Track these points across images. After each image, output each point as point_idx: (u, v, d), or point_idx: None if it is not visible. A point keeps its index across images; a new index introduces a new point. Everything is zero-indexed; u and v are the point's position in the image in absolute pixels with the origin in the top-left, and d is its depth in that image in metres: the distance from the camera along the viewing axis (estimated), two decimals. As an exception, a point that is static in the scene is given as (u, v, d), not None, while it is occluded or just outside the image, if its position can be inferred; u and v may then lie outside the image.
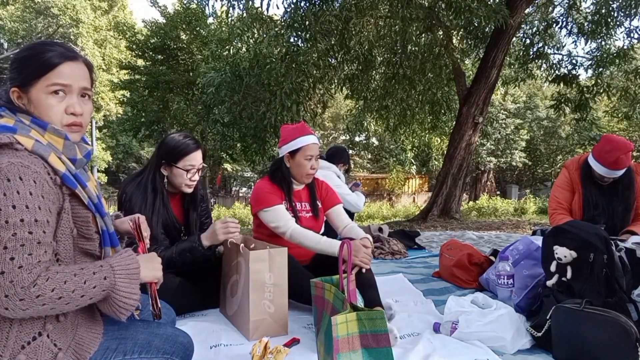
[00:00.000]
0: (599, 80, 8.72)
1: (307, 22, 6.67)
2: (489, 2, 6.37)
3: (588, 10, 8.65)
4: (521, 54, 9.03)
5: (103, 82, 18.58)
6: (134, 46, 15.44)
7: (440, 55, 8.10)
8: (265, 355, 1.41)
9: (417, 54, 8.10)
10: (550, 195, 2.70)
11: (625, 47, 8.45)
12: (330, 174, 3.38)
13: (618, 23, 7.98)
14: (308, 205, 2.22)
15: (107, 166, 22.02)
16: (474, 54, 9.39)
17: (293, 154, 2.12)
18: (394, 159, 21.05)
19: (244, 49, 8.42)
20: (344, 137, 23.82)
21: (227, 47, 11.36)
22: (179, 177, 1.91)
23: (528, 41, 8.88)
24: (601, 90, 8.62)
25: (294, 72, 6.77)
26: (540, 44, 8.83)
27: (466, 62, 9.79)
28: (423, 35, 7.97)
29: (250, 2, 6.96)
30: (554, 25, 8.76)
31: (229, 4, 6.96)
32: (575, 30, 8.53)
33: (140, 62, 15.58)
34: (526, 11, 7.84)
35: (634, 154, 14.34)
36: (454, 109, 9.16)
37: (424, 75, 8.57)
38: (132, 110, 14.79)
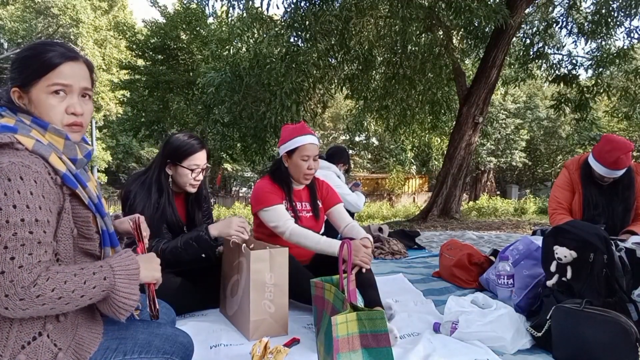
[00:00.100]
0: (599, 80, 8.72)
1: (307, 22, 6.67)
2: (489, 2, 6.37)
3: (588, 10, 8.65)
4: (521, 54, 9.04)
5: (103, 82, 18.58)
6: (134, 46, 15.44)
7: (440, 55, 8.11)
8: (265, 355, 1.41)
9: (417, 54, 8.10)
10: (551, 195, 2.70)
11: (625, 47, 8.45)
12: (330, 174, 3.38)
13: (618, 23, 7.98)
14: (308, 205, 2.22)
15: (107, 166, 22.02)
16: (474, 54, 9.40)
17: (290, 154, 2.12)
18: (394, 159, 21.05)
19: (244, 49, 8.43)
20: (344, 137, 23.83)
21: (227, 47, 11.36)
22: (184, 176, 1.92)
23: (528, 41, 8.88)
24: (601, 90, 8.62)
25: (294, 72, 6.78)
26: (540, 44, 8.84)
27: (466, 62, 9.79)
28: (423, 35, 7.97)
29: (250, 2, 6.96)
30: (554, 25, 8.76)
31: (229, 4, 6.96)
32: (575, 30, 8.53)
33: (140, 62, 15.58)
34: (526, 11, 7.84)
35: (634, 154, 14.33)
36: (454, 109, 9.16)
37: (424, 75, 8.57)
38: (132, 110, 14.80)
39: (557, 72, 9.18)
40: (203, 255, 2.11)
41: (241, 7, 7.17)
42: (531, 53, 8.84)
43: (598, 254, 1.70)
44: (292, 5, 6.87)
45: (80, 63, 1.05)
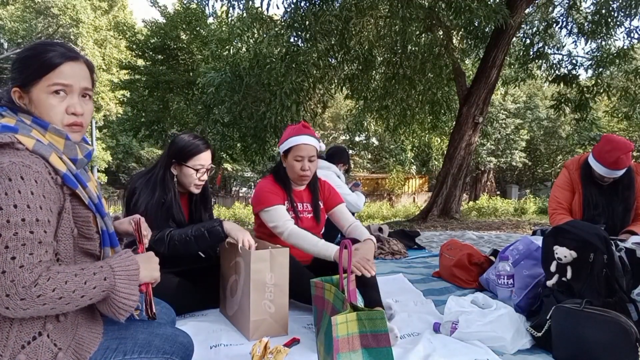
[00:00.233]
0: (599, 80, 8.72)
1: (307, 22, 6.67)
2: (489, 2, 6.37)
3: (588, 11, 8.65)
4: (521, 54, 9.04)
5: (103, 82, 18.58)
6: (134, 46, 15.42)
7: (440, 55, 8.11)
8: (265, 355, 1.41)
9: (417, 54, 8.10)
10: (551, 195, 2.70)
11: (625, 47, 8.45)
12: (330, 174, 3.38)
13: (618, 23, 7.98)
14: (309, 206, 2.21)
15: (107, 166, 22.02)
16: (474, 54, 9.39)
17: (286, 154, 2.12)
18: (394, 159, 21.06)
19: (244, 49, 8.43)
20: (344, 137, 23.83)
21: (227, 47, 11.35)
22: (189, 176, 1.94)
23: (528, 41, 8.88)
24: (601, 90, 8.62)
25: (294, 72, 6.77)
26: (540, 44, 8.84)
27: (466, 62, 9.79)
28: (423, 35, 7.97)
29: (250, 2, 6.96)
30: (554, 25, 8.76)
31: (229, 4, 6.96)
32: (575, 30, 8.53)
33: (140, 62, 15.56)
34: (526, 11, 7.84)
35: (634, 154, 14.34)
36: (454, 109, 9.16)
37: (424, 75, 8.57)
38: (132, 110, 14.78)
39: (557, 72, 9.18)
40: (203, 255, 2.12)
41: (241, 7, 7.17)
42: (531, 53, 8.84)
43: (598, 254, 1.70)
44: (292, 5, 6.87)
45: (80, 63, 1.05)
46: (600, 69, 8.68)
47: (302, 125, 2.13)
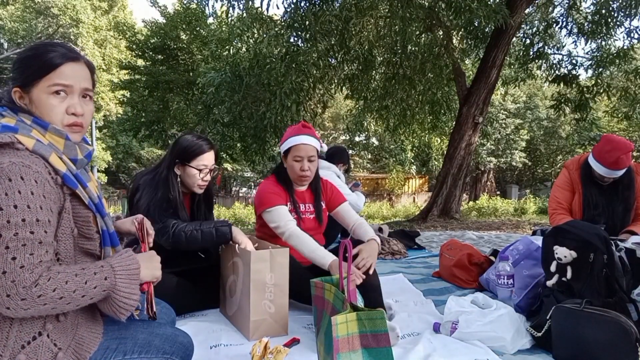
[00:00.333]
0: (599, 80, 8.72)
1: (307, 22, 6.66)
2: (489, 2, 6.37)
3: (588, 11, 8.65)
4: (521, 54, 9.03)
5: (103, 82, 18.58)
6: (134, 46, 15.42)
7: (440, 55, 8.10)
8: (265, 355, 1.41)
9: (417, 54, 8.10)
10: (551, 195, 2.70)
11: (625, 47, 8.45)
12: (330, 174, 3.38)
13: (618, 23, 7.97)
14: (312, 207, 2.20)
15: (107, 166, 22.02)
16: (474, 54, 9.39)
17: (286, 154, 2.11)
18: (394, 159, 21.05)
19: (244, 49, 8.43)
20: (344, 137, 23.83)
21: (227, 47, 11.35)
22: (192, 176, 1.94)
23: (528, 41, 8.87)
24: (601, 90, 8.62)
25: (294, 72, 6.77)
26: (540, 44, 8.83)
27: (466, 62, 9.79)
28: (423, 35, 7.97)
29: (250, 2, 6.96)
30: (554, 25, 8.76)
31: (229, 4, 6.96)
32: (575, 30, 8.53)
33: (140, 62, 15.56)
34: (526, 11, 7.84)
35: (634, 154, 14.34)
36: (454, 109, 9.15)
37: (424, 75, 8.57)
38: (132, 110, 14.77)
39: (557, 72, 9.18)
40: (202, 255, 2.12)
41: (241, 7, 7.17)
42: (531, 53, 8.84)
43: (598, 254, 1.70)
44: (292, 5, 6.87)
45: (81, 64, 1.05)
46: (600, 69, 8.68)
47: (301, 125, 2.12)
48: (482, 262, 2.64)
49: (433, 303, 2.23)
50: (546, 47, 8.92)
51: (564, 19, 8.57)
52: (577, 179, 2.56)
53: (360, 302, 1.66)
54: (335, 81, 8.30)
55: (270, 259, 1.72)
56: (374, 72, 8.73)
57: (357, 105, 9.98)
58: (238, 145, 9.33)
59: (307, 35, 6.79)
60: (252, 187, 26.47)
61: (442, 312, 1.94)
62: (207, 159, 1.96)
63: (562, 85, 8.94)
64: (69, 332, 1.00)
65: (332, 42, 7.03)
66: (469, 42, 8.58)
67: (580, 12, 8.58)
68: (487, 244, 4.47)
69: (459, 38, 9.03)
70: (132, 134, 14.79)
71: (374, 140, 23.56)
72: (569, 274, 1.77)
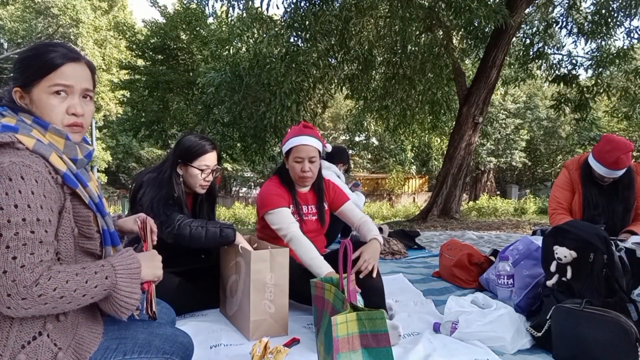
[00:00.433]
0: (599, 80, 8.72)
1: (307, 22, 6.66)
2: (489, 2, 6.37)
3: (588, 11, 8.65)
4: (521, 54, 9.03)
5: (103, 82, 18.57)
6: (134, 46, 15.42)
7: (440, 55, 8.10)
8: (265, 355, 1.41)
9: (417, 54, 8.10)
10: (551, 195, 2.70)
11: (625, 47, 8.45)
12: (330, 174, 3.39)
13: (618, 23, 7.97)
14: (314, 209, 2.18)
15: (107, 166, 22.01)
16: (474, 54, 9.39)
17: (287, 155, 2.10)
18: (394, 159, 21.04)
19: (244, 49, 8.42)
20: (344, 137, 23.82)
21: (227, 47, 11.35)
22: (194, 177, 1.95)
23: (528, 41, 8.87)
24: (601, 90, 8.62)
25: (294, 72, 6.77)
26: (540, 44, 8.83)
27: (466, 62, 9.78)
28: (423, 35, 7.97)
29: (250, 2, 6.96)
30: (554, 25, 8.75)
31: (229, 4, 6.96)
32: (575, 30, 8.53)
33: (140, 62, 15.56)
34: (526, 11, 7.84)
35: (634, 154, 14.34)
36: (454, 109, 9.15)
37: (424, 75, 8.57)
38: (132, 110, 14.76)
39: (557, 72, 9.17)
40: (202, 256, 2.12)
41: (241, 7, 7.17)
42: (531, 53, 8.84)
43: (598, 254, 1.70)
44: (292, 5, 6.87)
45: (82, 64, 1.05)
46: (600, 69, 8.67)
47: (302, 126, 2.10)
48: (482, 262, 2.64)
49: (433, 303, 2.23)
50: (546, 47, 8.92)
51: (564, 19, 8.58)
52: (577, 179, 2.55)
53: (359, 303, 1.66)
54: (335, 81, 8.30)
55: (270, 259, 1.72)
56: (374, 72, 8.73)
57: (357, 105, 9.98)
58: (238, 145, 9.33)
59: (307, 35, 6.79)
60: (252, 187, 26.47)
61: (442, 312, 1.94)
62: (210, 159, 1.96)
63: (562, 85, 8.94)
64: (69, 332, 1.00)
65: (332, 42, 7.03)
66: (469, 42, 8.58)
67: (580, 12, 8.58)
68: (487, 244, 4.47)
69: (459, 38, 9.03)
70: (132, 134, 14.79)
71: (374, 140, 23.56)
72: (569, 274, 1.77)
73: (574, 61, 9.10)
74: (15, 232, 0.87)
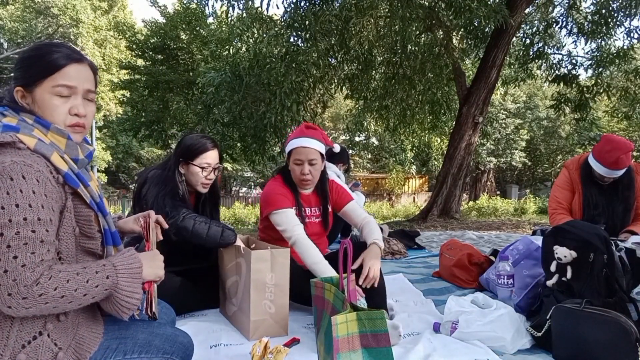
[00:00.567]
0: (599, 80, 8.72)
1: (307, 22, 6.66)
2: (489, 2, 6.37)
3: (588, 10, 8.65)
4: (521, 54, 9.03)
5: (103, 82, 18.57)
6: (134, 46, 15.42)
7: (440, 55, 8.10)
8: (265, 355, 1.41)
9: (417, 54, 8.10)
10: (550, 195, 2.70)
11: (625, 47, 8.45)
12: (330, 174, 3.37)
13: (618, 23, 7.98)
14: (317, 211, 2.16)
15: (107, 166, 22.01)
16: (474, 54, 9.39)
17: (288, 157, 2.09)
18: (394, 159, 21.04)
19: (243, 49, 8.42)
20: (344, 137, 23.82)
21: (227, 47, 11.34)
22: (195, 174, 1.96)
23: (528, 41, 8.87)
24: (601, 90, 8.62)
25: (294, 72, 6.77)
26: (540, 44, 8.83)
27: (466, 62, 9.78)
28: (423, 35, 7.97)
29: (250, 2, 6.96)
30: (554, 25, 8.76)
31: (229, 4, 6.95)
32: (575, 30, 8.53)
33: (140, 62, 15.56)
34: (526, 11, 7.84)
35: (634, 154, 14.34)
36: (454, 109, 9.15)
37: (424, 75, 8.57)
38: (132, 110, 14.77)
39: (557, 72, 9.18)
40: (201, 253, 2.12)
41: (241, 7, 7.16)
42: (531, 53, 8.84)
43: (598, 254, 1.70)
44: (292, 5, 6.87)
45: (84, 65, 1.06)
46: (600, 69, 8.68)
47: (304, 127, 2.08)
48: (482, 262, 2.64)
49: (433, 303, 2.23)
50: (546, 47, 8.92)
51: (564, 19, 8.58)
52: (577, 178, 2.55)
53: (362, 303, 1.66)
54: (335, 81, 8.30)
55: (271, 259, 1.72)
56: (374, 72, 8.73)
57: (357, 105, 9.98)
58: (238, 145, 9.33)
59: (307, 35, 6.79)
60: (252, 187, 26.47)
61: (442, 312, 1.94)
62: (211, 157, 1.97)
63: (562, 85, 8.94)
64: (70, 331, 1.00)
65: (332, 42, 7.03)
66: (469, 42, 8.58)
67: (580, 12, 8.58)
68: (487, 244, 4.48)
69: (459, 38, 9.03)
70: (132, 134, 14.79)
71: (374, 140, 23.56)
72: (569, 274, 1.77)
73: (574, 61, 9.11)
74: (16, 232, 0.87)
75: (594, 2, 8.13)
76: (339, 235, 3.84)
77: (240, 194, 26.11)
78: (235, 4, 6.99)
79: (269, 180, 2.20)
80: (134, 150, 24.35)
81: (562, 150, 21.26)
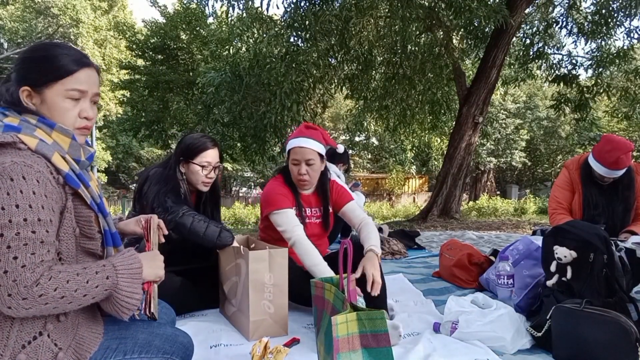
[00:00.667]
0: (599, 80, 8.72)
1: (307, 22, 6.67)
2: (489, 2, 6.37)
3: (588, 11, 8.65)
4: (521, 54, 9.03)
5: (103, 82, 18.58)
6: (134, 46, 15.43)
7: (440, 55, 8.10)
8: (265, 355, 1.41)
9: (417, 54, 8.10)
10: (550, 195, 2.70)
11: (625, 47, 8.45)
12: (330, 174, 3.38)
13: (618, 23, 7.98)
14: (318, 211, 2.15)
15: (107, 166, 22.02)
16: (474, 54, 9.39)
17: (288, 156, 2.09)
18: (394, 159, 21.05)
19: (244, 49, 8.43)
20: (344, 137, 23.82)
21: (227, 47, 11.35)
22: (195, 173, 1.97)
23: (528, 41, 8.87)
24: (601, 90, 8.62)
25: (294, 72, 6.77)
26: (540, 44, 8.83)
27: (466, 62, 9.78)
28: (423, 35, 7.97)
29: (250, 2, 6.96)
30: (554, 25, 8.76)
31: (229, 4, 6.96)
32: (575, 30, 8.53)
33: (140, 62, 15.56)
34: (526, 11, 7.84)
35: (634, 154, 14.33)
36: (454, 109, 9.15)
37: (424, 75, 8.57)
38: (132, 110, 14.77)
39: (557, 72, 9.18)
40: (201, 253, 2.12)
41: (241, 7, 7.17)
42: (531, 53, 8.84)
43: (598, 254, 1.70)
44: (292, 5, 6.87)
45: (93, 69, 1.07)
46: (600, 69, 8.68)
47: (304, 127, 2.08)
48: (482, 262, 2.64)
49: (433, 303, 2.23)
50: (546, 47, 8.92)
51: (564, 19, 8.58)
52: (577, 178, 2.55)
53: (360, 303, 1.66)
54: (335, 81, 8.30)
55: (269, 259, 1.72)
56: (374, 72, 8.73)
57: (357, 105, 9.98)
58: (238, 145, 9.33)
59: (307, 35, 6.79)
60: (252, 187, 26.47)
61: (442, 312, 1.94)
62: (211, 155, 1.98)
63: (562, 85, 8.94)
64: (70, 332, 1.00)
65: (332, 42, 7.03)
66: (469, 42, 8.58)
67: (580, 12, 8.58)
68: (487, 244, 4.48)
69: (459, 38, 9.03)
70: (132, 134, 14.79)
71: (374, 140, 23.56)
72: (569, 274, 1.77)
73: (574, 61, 9.11)
74: (16, 232, 0.88)
75: (594, 2, 8.13)
76: (339, 236, 3.84)
77: (240, 194, 26.12)
78: (235, 4, 6.99)
79: (270, 180, 2.19)
80: (134, 150, 24.36)
81: (562, 150, 21.27)
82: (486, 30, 7.70)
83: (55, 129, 1.00)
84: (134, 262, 1.03)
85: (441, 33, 7.86)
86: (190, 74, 14.08)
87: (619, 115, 10.35)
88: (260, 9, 7.17)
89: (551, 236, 1.87)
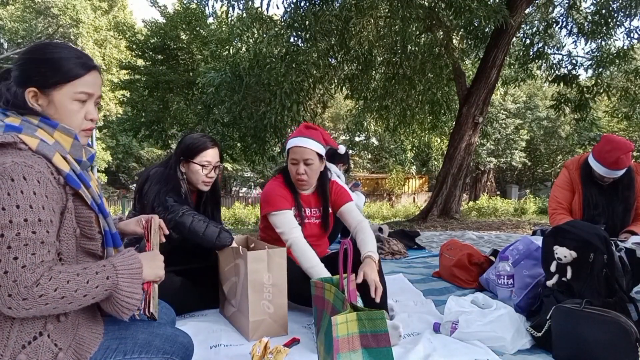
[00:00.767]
0: (599, 80, 8.72)
1: (307, 22, 6.67)
2: (489, 2, 6.37)
3: (588, 11, 8.65)
4: (521, 54, 9.03)
5: (103, 82, 18.57)
6: (134, 46, 15.42)
7: (440, 55, 8.10)
8: (265, 355, 1.41)
9: (417, 54, 8.10)
10: (550, 195, 2.70)
11: (625, 47, 8.45)
12: (330, 174, 3.38)
13: (618, 23, 7.98)
14: (318, 212, 2.15)
15: (107, 166, 22.01)
16: (474, 54, 9.39)
17: (287, 156, 2.09)
18: (394, 159, 21.05)
19: (244, 49, 8.43)
20: (344, 137, 23.81)
21: (227, 47, 11.35)
22: (195, 172, 1.98)
23: (528, 41, 8.87)
24: (601, 90, 8.62)
25: (294, 72, 6.78)
26: (540, 44, 8.83)
27: (466, 62, 9.78)
28: (423, 35, 7.97)
29: (250, 2, 6.96)
30: (554, 25, 8.76)
31: (229, 4, 6.96)
32: (575, 30, 8.53)
33: (140, 62, 15.56)
34: (526, 11, 7.84)
35: (634, 154, 14.33)
36: (454, 109, 9.16)
37: (424, 75, 8.57)
38: (132, 110, 14.76)
39: (557, 72, 9.18)
40: (201, 253, 2.12)
41: (241, 7, 7.17)
42: (531, 53, 8.84)
43: (598, 254, 1.70)
44: (292, 5, 6.87)
45: (97, 72, 1.08)
46: (600, 69, 8.68)
47: (303, 127, 2.08)
48: (482, 262, 2.64)
49: (433, 303, 2.23)
50: (546, 47, 8.92)
51: (564, 19, 8.58)
52: (577, 178, 2.55)
53: (359, 303, 1.66)
54: (335, 81, 8.30)
55: (267, 259, 1.72)
56: (374, 72, 8.73)
57: (357, 105, 9.98)
58: (238, 145, 9.33)
59: (307, 35, 6.79)
60: (252, 187, 26.47)
61: (442, 312, 1.94)
62: (211, 155, 1.99)
63: (562, 85, 8.95)
64: (70, 332, 1.00)
65: (332, 42, 7.03)
66: (469, 42, 8.58)
67: (580, 12, 8.58)
68: (487, 244, 4.47)
69: (459, 38, 9.03)
70: (132, 134, 14.78)
71: (374, 140, 23.55)
72: (569, 274, 1.77)
73: (574, 61, 9.11)
74: (17, 233, 0.88)
75: (594, 2, 8.13)
76: (339, 236, 3.84)
77: (240, 194, 26.12)
78: (235, 4, 6.99)
79: (270, 180, 2.19)
80: (134, 151, 24.35)
81: (562, 150, 21.26)
82: (486, 30, 7.70)
83: (58, 129, 1.00)
84: (134, 262, 1.03)
85: (441, 33, 7.86)
86: (190, 74, 14.08)
87: (619, 116, 10.35)
88: (260, 9, 7.17)
89: (551, 236, 1.87)
